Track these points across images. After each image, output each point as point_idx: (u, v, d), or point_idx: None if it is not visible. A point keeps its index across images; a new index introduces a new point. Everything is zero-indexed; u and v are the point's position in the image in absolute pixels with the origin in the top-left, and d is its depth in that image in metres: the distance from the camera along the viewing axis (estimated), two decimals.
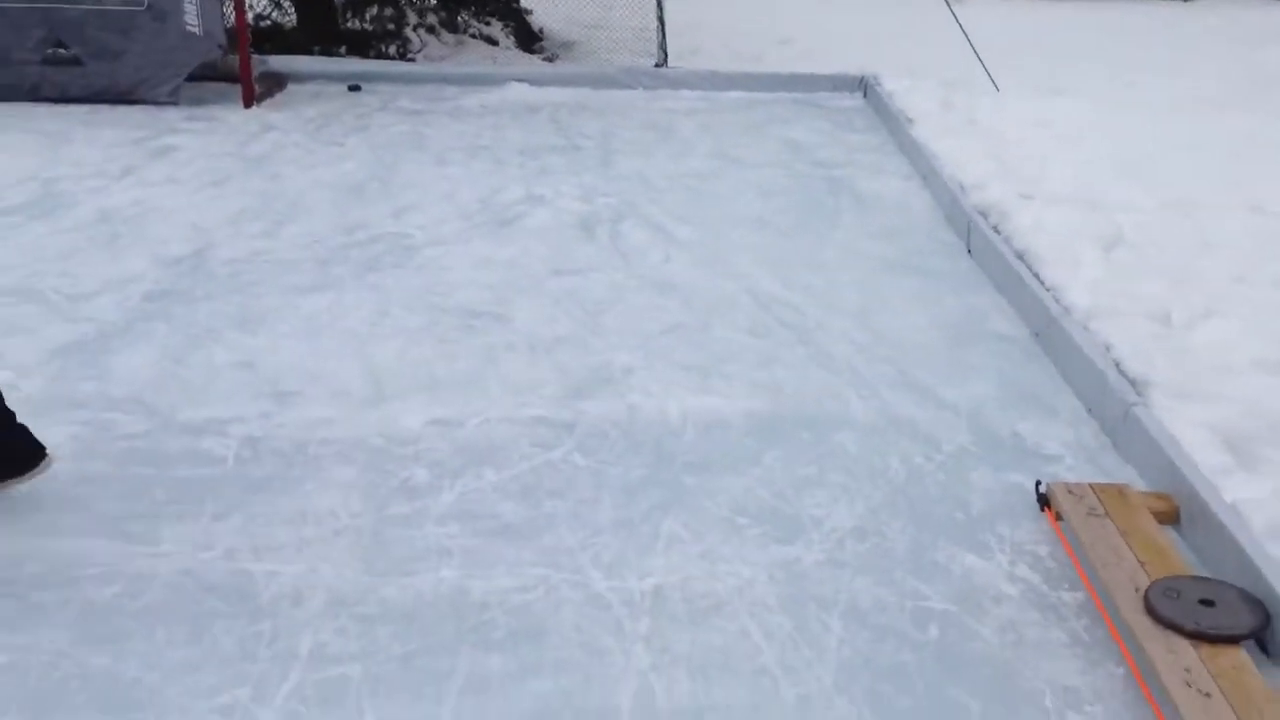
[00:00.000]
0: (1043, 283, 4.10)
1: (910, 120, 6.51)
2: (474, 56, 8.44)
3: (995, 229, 4.67)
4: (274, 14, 8.70)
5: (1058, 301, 3.94)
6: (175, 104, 6.80)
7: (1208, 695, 2.24)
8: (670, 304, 4.22)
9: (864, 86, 7.71)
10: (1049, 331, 3.88)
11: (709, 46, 9.47)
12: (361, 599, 2.56)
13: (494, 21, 9.00)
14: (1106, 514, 2.84)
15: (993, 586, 2.67)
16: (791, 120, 7.05)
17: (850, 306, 4.23)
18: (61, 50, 6.80)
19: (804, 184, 5.76)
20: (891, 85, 7.39)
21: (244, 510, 2.88)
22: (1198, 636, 2.39)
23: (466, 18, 8.83)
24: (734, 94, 7.68)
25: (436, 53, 8.39)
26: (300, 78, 7.59)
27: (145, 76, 6.81)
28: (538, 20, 9.77)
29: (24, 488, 2.87)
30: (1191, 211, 4.99)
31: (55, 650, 2.37)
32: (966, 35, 8.05)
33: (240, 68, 6.97)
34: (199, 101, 6.87)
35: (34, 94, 6.75)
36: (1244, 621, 2.43)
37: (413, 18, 8.55)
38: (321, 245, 4.70)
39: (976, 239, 4.76)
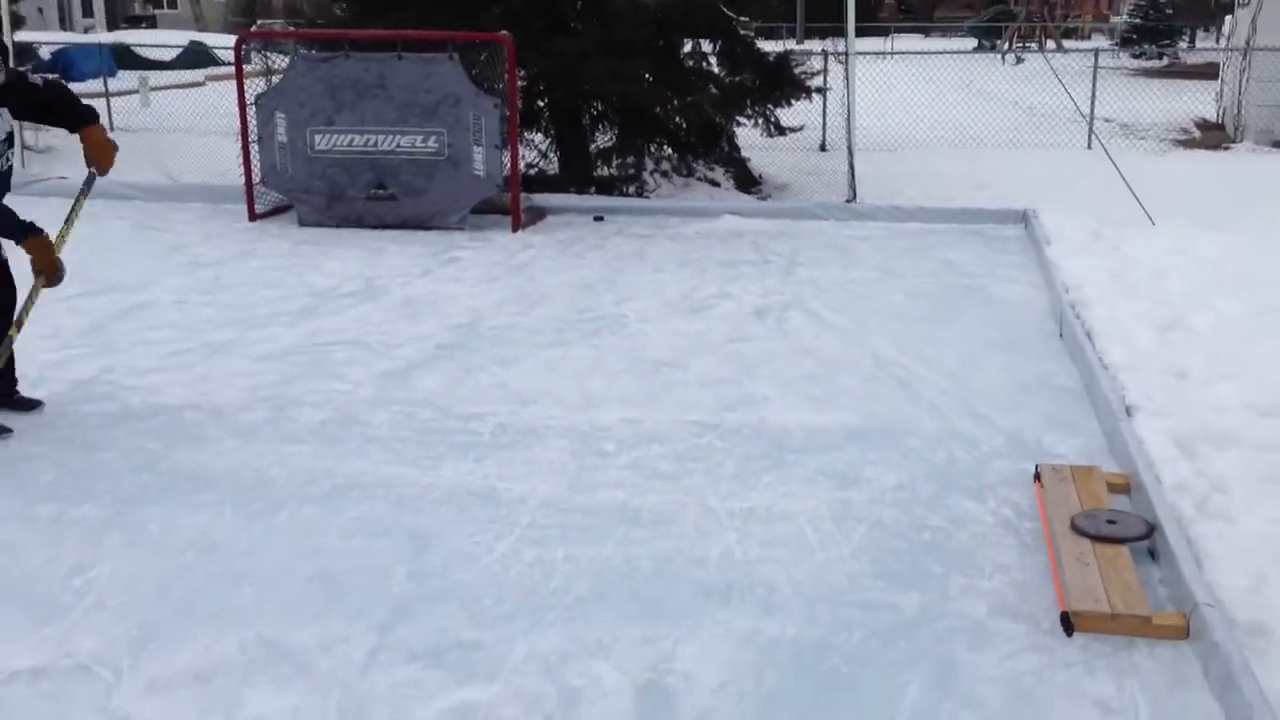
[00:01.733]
0: (1095, 348, 5.29)
1: (1049, 242, 7.72)
2: (697, 195, 10.19)
3: (1077, 316, 5.87)
4: (541, 163, 10.76)
5: (1101, 361, 5.13)
6: (461, 229, 8.78)
7: (1087, 564, 3.44)
8: (809, 362, 5.64)
9: (1025, 219, 8.94)
10: (1091, 384, 5.07)
11: (909, 191, 10.92)
12: (562, 503, 4.06)
13: (718, 167, 10.76)
14: (1073, 481, 4.05)
15: (978, 517, 3.93)
16: (954, 245, 8.37)
17: (947, 368, 5.52)
18: (381, 190, 8.94)
19: (946, 290, 7.08)
20: (1049, 218, 8.60)
21: (494, 458, 4.46)
22: (1096, 538, 3.59)
23: (695, 163, 10.62)
24: (911, 225, 9.06)
25: (667, 192, 10.19)
26: (557, 210, 9.50)
27: (441, 209, 8.85)
28: (759, 166, 11.48)
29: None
30: (1267, 315, 5.99)
31: (385, 519, 3.98)
32: (1123, 177, 9.21)
33: (511, 203, 8.91)
34: (479, 227, 8.84)
35: (360, 221, 8.89)
36: (1131, 532, 3.61)
37: (650, 164, 10.41)
38: (559, 320, 6.38)
39: (1065, 325, 5.96)
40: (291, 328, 6.22)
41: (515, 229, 8.81)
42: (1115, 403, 4.67)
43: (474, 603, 3.38)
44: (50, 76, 5.06)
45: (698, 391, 5.22)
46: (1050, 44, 34.25)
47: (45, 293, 4.78)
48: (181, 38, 25.97)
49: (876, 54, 22.31)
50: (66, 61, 19.71)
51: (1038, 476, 4.17)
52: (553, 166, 10.75)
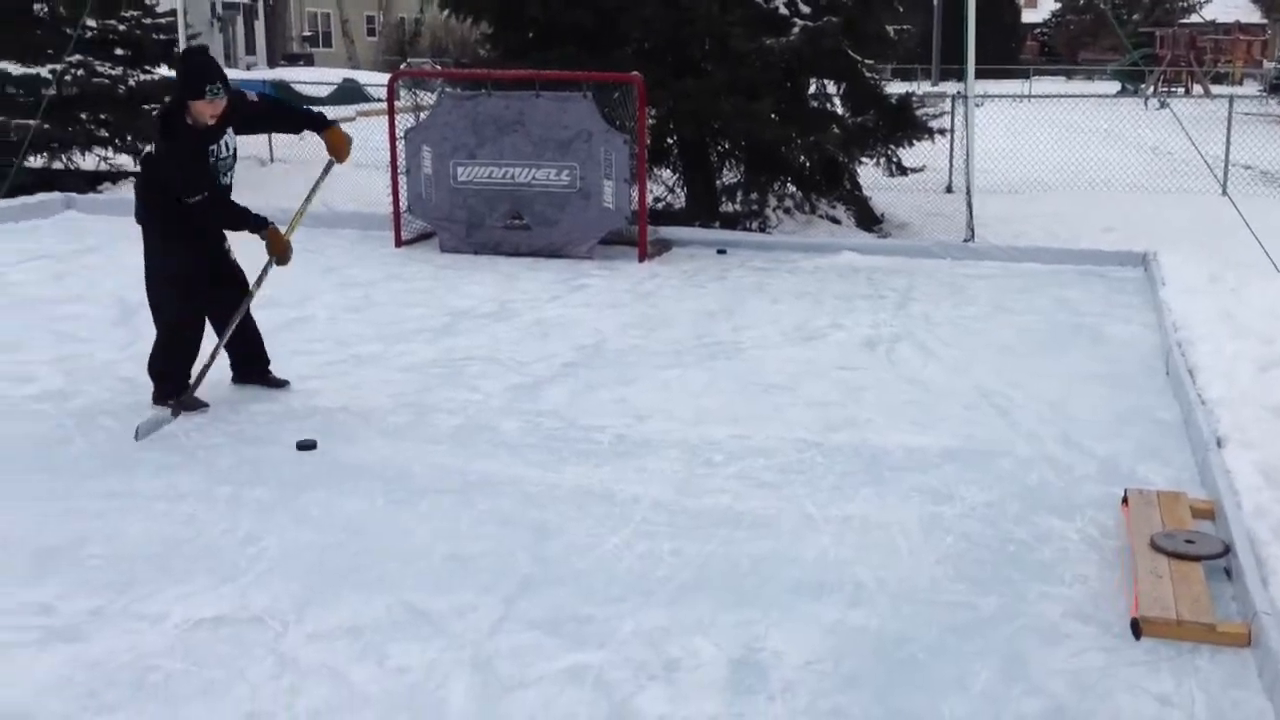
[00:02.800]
0: (1196, 383, 5.46)
1: (1164, 283, 7.84)
2: (818, 231, 10.52)
3: (1182, 353, 6.03)
4: (669, 197, 11.23)
5: (1200, 397, 5.31)
6: (590, 258, 9.27)
7: (1160, 578, 3.68)
8: (914, 391, 5.93)
9: (1144, 261, 9.04)
10: (1189, 418, 5.24)
11: (1032, 233, 11.07)
12: (671, 505, 4.44)
13: (839, 205, 11.07)
14: (1158, 505, 4.27)
15: (1063, 534, 4.18)
16: (1069, 285, 8.53)
17: (1049, 399, 5.75)
18: (517, 220, 9.50)
19: (1057, 327, 7.27)
20: (1168, 260, 8.68)
21: (611, 464, 4.87)
22: (1172, 555, 3.81)
23: (817, 200, 10.95)
24: (1028, 265, 9.22)
25: (789, 228, 10.54)
26: (682, 243, 9.93)
27: (572, 238, 9.36)
28: (881, 205, 11.75)
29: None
30: None
31: (512, 512, 4.41)
32: (1248, 224, 9.22)
33: (639, 235, 9.38)
34: (607, 257, 9.32)
35: (496, 249, 9.46)
36: (1206, 550, 3.82)
37: (774, 201, 10.79)
38: (679, 344, 6.79)
39: (1171, 362, 6.12)
40: (432, 343, 6.75)
41: (642, 259, 9.26)
42: (1208, 435, 4.86)
43: (588, 585, 3.78)
44: (263, 93, 5.83)
45: (804, 412, 5.55)
46: (1197, 89, 33.60)
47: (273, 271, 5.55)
48: (336, 75, 27.35)
49: (1013, 97, 22.32)
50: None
51: (1125, 500, 4.39)
52: (680, 201, 11.21)
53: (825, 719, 3.06)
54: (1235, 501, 4.15)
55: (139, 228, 5.47)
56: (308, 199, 5.74)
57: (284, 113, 5.68)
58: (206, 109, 5.12)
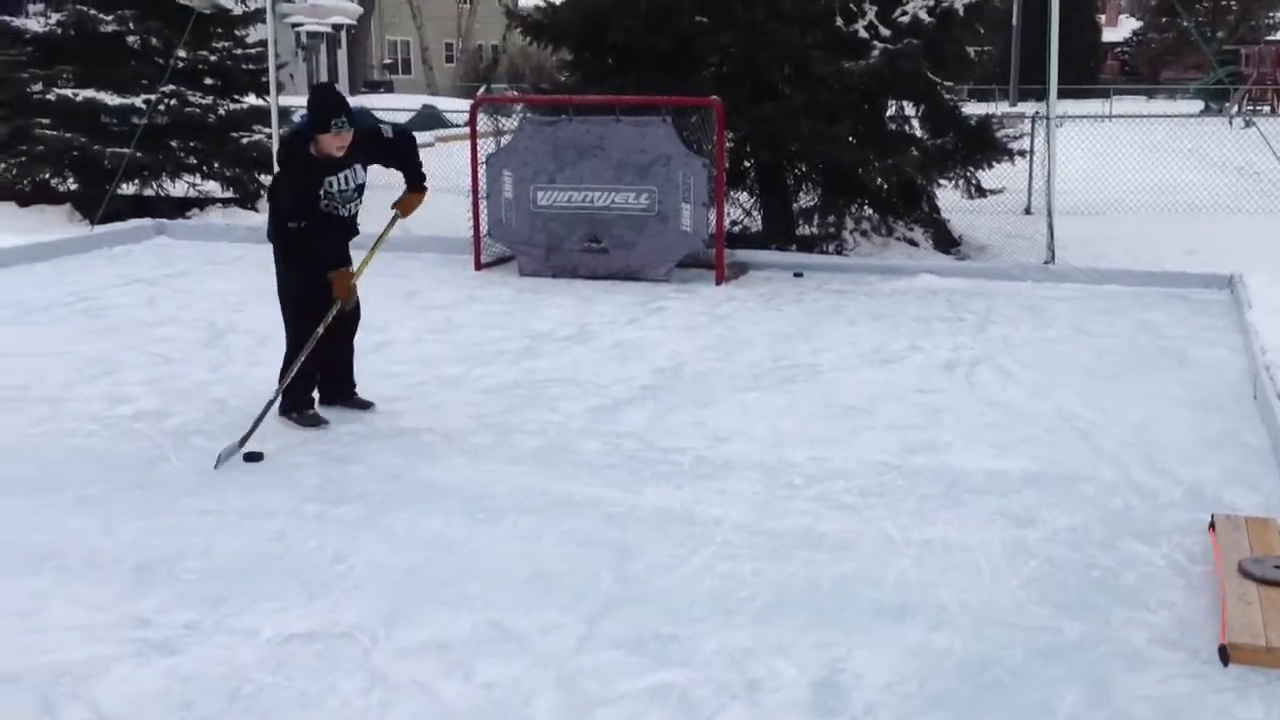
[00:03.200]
0: None
1: (1251, 306, 7.69)
2: (895, 254, 10.48)
3: (1271, 377, 5.92)
4: (745, 220, 11.27)
5: None
6: (668, 281, 9.34)
7: (1249, 603, 3.62)
8: (993, 413, 5.89)
9: (1230, 283, 8.87)
10: (1279, 443, 5.15)
11: (1114, 255, 10.92)
12: (752, 526, 4.47)
13: (917, 227, 11.02)
14: (1246, 530, 4.20)
15: (1148, 559, 4.13)
16: (1153, 307, 8.40)
17: (1133, 422, 5.68)
18: (594, 243, 9.60)
19: (1139, 350, 7.17)
20: (1255, 282, 8.51)
21: (691, 485, 4.91)
22: (1262, 580, 3.75)
23: (894, 223, 10.92)
24: (1109, 287, 9.10)
25: (866, 250, 10.51)
26: (759, 266, 9.96)
27: (649, 261, 9.44)
28: (959, 227, 11.67)
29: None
30: None
31: (594, 532, 4.47)
32: None
33: (716, 258, 9.43)
34: (684, 280, 9.38)
35: (574, 272, 9.57)
36: None
37: (850, 223, 10.77)
38: (757, 367, 6.81)
39: (1259, 386, 6.01)
40: (513, 365, 6.86)
41: (719, 282, 9.31)
42: None
43: (671, 605, 3.82)
44: (399, 128, 6.06)
45: (883, 435, 5.55)
46: None
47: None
48: (415, 101, 27.85)
49: (1093, 117, 22.02)
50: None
51: (1212, 525, 4.33)
52: (756, 224, 11.24)
53: None
54: None
55: (265, 249, 5.77)
56: (374, 249, 5.82)
57: (408, 155, 5.84)
58: (332, 141, 5.34)
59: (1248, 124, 27.20)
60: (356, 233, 5.78)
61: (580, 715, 3.19)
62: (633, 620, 3.72)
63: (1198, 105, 35.78)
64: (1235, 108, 31.73)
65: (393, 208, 5.89)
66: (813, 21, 9.85)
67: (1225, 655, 3.41)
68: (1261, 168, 16.16)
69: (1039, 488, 4.84)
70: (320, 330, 5.46)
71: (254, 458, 5.11)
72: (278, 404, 5.53)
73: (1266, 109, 32.82)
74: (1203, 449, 5.30)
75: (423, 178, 5.88)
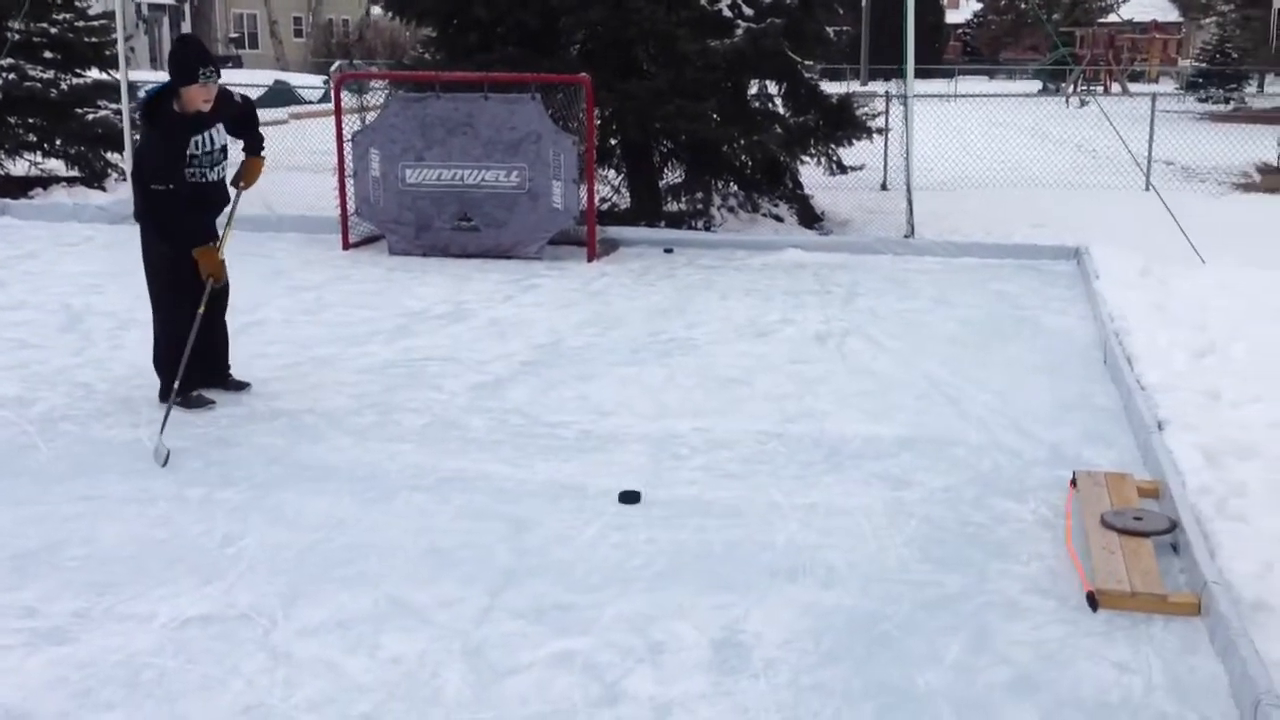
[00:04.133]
0: (1134, 371, 5.70)
1: (1098, 276, 8.12)
2: (762, 230, 10.70)
3: (1119, 342, 6.28)
4: (614, 197, 11.34)
5: (1139, 383, 5.55)
6: (540, 258, 9.35)
7: (1112, 553, 3.87)
8: (865, 382, 6.10)
9: (1077, 255, 9.33)
10: (1129, 403, 5.48)
11: (967, 228, 11.34)
12: (643, 496, 4.56)
13: (782, 204, 11.26)
14: (1106, 485, 4.47)
15: (1018, 515, 4.37)
16: (1007, 278, 8.78)
17: (995, 388, 5.96)
18: (465, 221, 9.54)
19: (997, 319, 7.50)
20: (1100, 254, 8.97)
21: (579, 459, 4.97)
22: (1122, 531, 4.01)
23: (760, 199, 11.13)
24: (967, 259, 9.47)
25: (733, 227, 10.70)
26: (629, 243, 10.05)
27: (520, 239, 9.43)
28: (821, 204, 11.95)
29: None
30: None
31: (487, 507, 4.50)
32: (1174, 217, 9.57)
33: (587, 235, 9.48)
34: (556, 257, 9.41)
35: (445, 250, 9.49)
36: (1153, 527, 4.03)
37: (717, 200, 10.94)
38: (634, 341, 6.90)
39: (1108, 351, 6.36)
40: (389, 345, 6.80)
41: (590, 259, 9.36)
42: (1149, 419, 5.09)
43: (568, 574, 3.89)
44: (246, 95, 5.88)
45: (762, 405, 5.70)
46: (1116, 87, 34.47)
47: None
48: (266, 77, 27.06)
49: (940, 96, 22.75)
50: None
51: (1074, 481, 4.59)
52: (624, 201, 11.32)
53: (808, 693, 3.19)
54: (1180, 480, 4.36)
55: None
56: (228, 225, 5.69)
57: (250, 123, 5.72)
58: (199, 93, 5.20)
59: (1083, 103, 28.54)
60: (227, 200, 5.65)
61: (488, 685, 3.23)
62: (532, 591, 3.77)
63: (1036, 85, 37.31)
64: (1071, 88, 33.17)
65: (234, 182, 5.71)
66: (678, 0, 9.95)
67: (1094, 601, 3.64)
68: (1098, 145, 16.99)
69: (913, 451, 5.05)
70: (201, 311, 5.33)
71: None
72: (158, 390, 5.39)
73: (1100, 89, 34.38)
74: (1061, 411, 5.61)
75: (262, 143, 5.80)
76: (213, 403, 5.54)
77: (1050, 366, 6.38)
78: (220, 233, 5.58)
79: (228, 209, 5.70)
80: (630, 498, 4.49)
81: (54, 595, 3.71)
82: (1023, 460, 4.96)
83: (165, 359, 5.47)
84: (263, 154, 5.82)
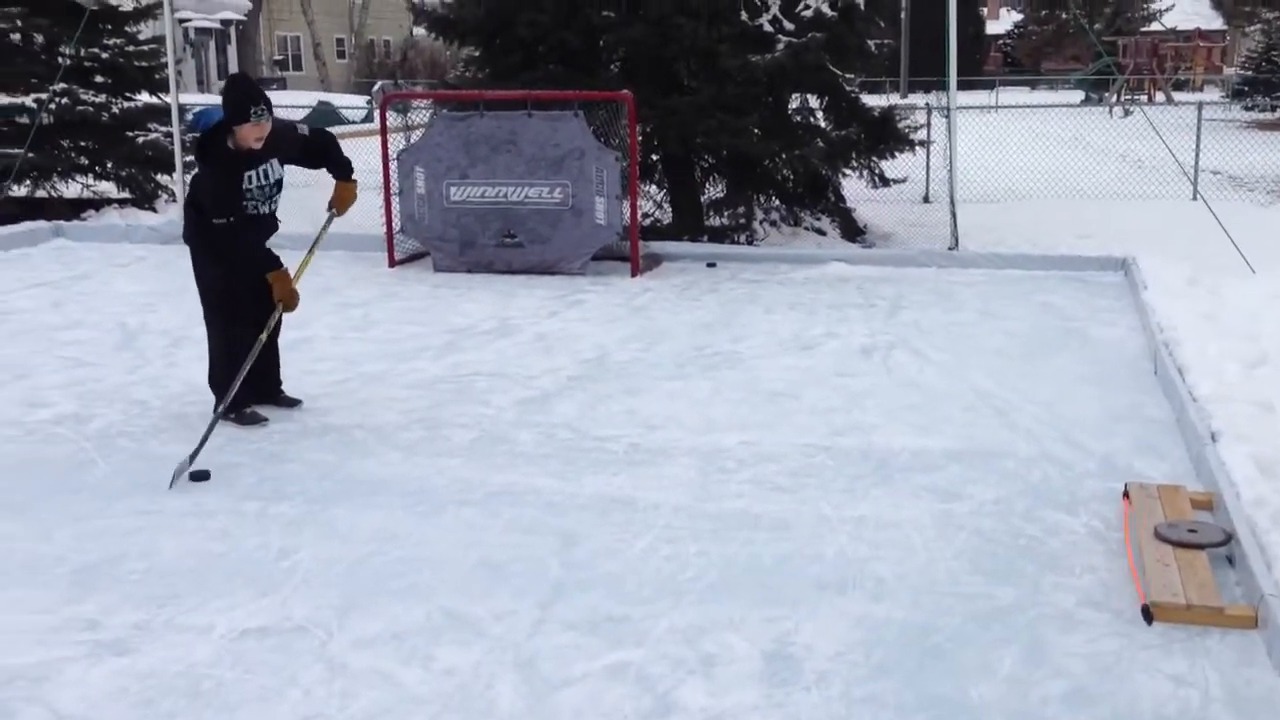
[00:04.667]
0: (1185, 382, 5.65)
1: (1146, 287, 8.04)
2: (805, 243, 10.69)
3: (1170, 353, 6.22)
4: (656, 213, 11.38)
5: (1191, 394, 5.49)
6: (583, 274, 9.40)
7: (1167, 566, 3.84)
8: (912, 395, 6.09)
9: (1124, 266, 9.25)
10: (1181, 414, 5.43)
11: (1011, 240, 11.29)
12: (691, 510, 4.57)
13: (824, 217, 11.25)
14: (1159, 497, 4.43)
15: (1070, 528, 4.34)
16: (1053, 290, 8.73)
17: (1044, 399, 5.92)
18: (509, 238, 9.62)
19: (1044, 331, 7.46)
20: (1147, 264, 8.89)
21: (628, 473, 5.00)
22: (1177, 544, 3.98)
23: (802, 213, 11.13)
24: (1011, 271, 9.43)
25: (775, 240, 10.71)
26: (672, 257, 10.08)
27: (564, 255, 9.49)
28: (864, 217, 11.94)
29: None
30: None
31: (536, 520, 4.53)
32: (1223, 226, 9.47)
33: (631, 250, 9.53)
34: (599, 273, 9.46)
35: (489, 267, 9.57)
36: (1208, 539, 3.99)
37: (759, 214, 10.96)
38: (680, 356, 6.93)
39: (1158, 362, 6.31)
40: (437, 360, 6.87)
41: (634, 274, 9.41)
42: (1202, 430, 5.04)
43: (619, 587, 3.91)
44: (315, 127, 6.01)
45: (810, 418, 5.70)
46: (1160, 96, 34.14)
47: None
48: (309, 98, 27.41)
49: (981, 108, 22.64)
50: (206, 120, 21.07)
51: (1126, 494, 4.55)
52: (667, 216, 11.36)
53: (860, 706, 3.19)
54: (1234, 492, 4.32)
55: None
56: (311, 250, 5.84)
57: (329, 151, 5.84)
58: (251, 132, 5.28)
59: (1127, 113, 28.28)
60: (277, 228, 5.74)
61: (542, 696, 3.26)
62: (584, 603, 3.79)
63: (1078, 95, 37.02)
64: (1114, 97, 32.88)
65: (329, 207, 5.90)
66: (719, 16, 9.99)
67: (1149, 614, 3.61)
68: (1142, 154, 16.85)
69: (962, 464, 5.03)
70: (264, 336, 5.42)
71: (200, 476, 4.89)
72: (214, 406, 5.47)
73: (1144, 98, 34.07)
74: (1111, 422, 5.56)
75: (351, 169, 5.88)
76: (266, 420, 5.62)
77: (1099, 378, 6.34)
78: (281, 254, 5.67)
79: (315, 234, 5.85)
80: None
81: (115, 608, 3.78)
82: (1073, 472, 4.93)
83: (219, 377, 5.55)
84: (354, 178, 5.92)
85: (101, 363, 6.82)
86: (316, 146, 5.81)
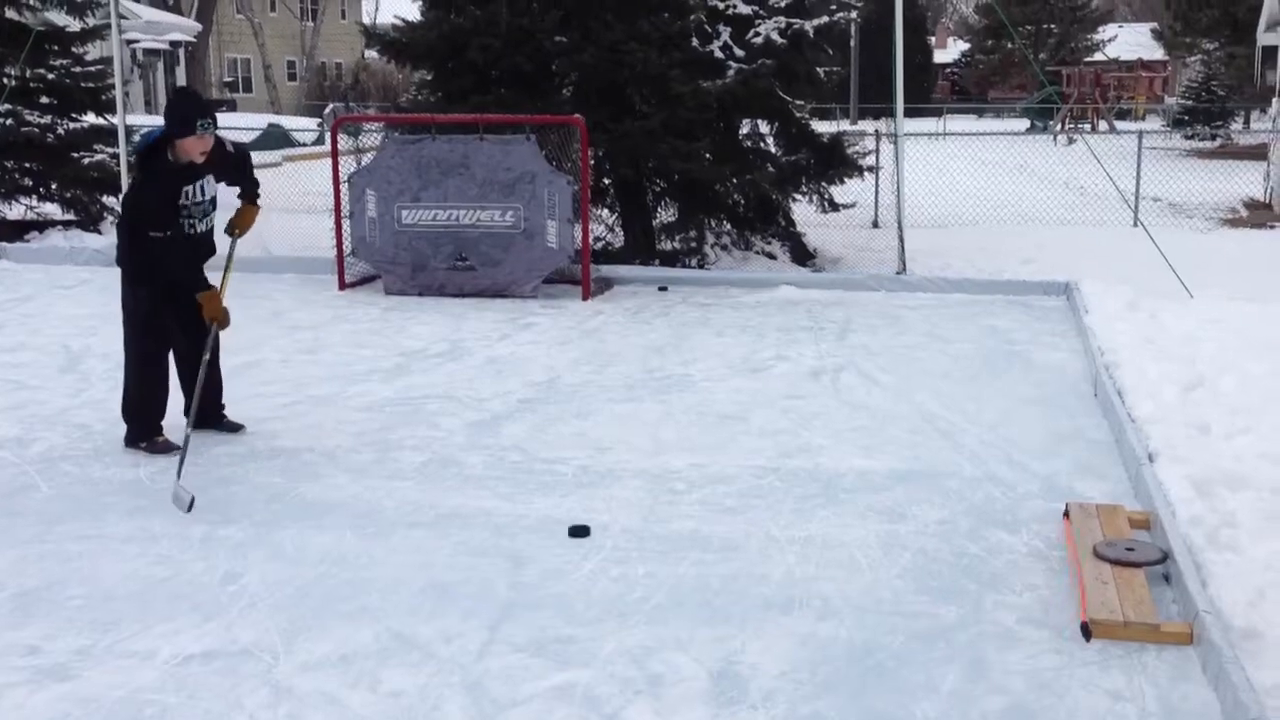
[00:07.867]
0: (1124, 404, 5.77)
1: (1088, 311, 8.20)
2: (755, 267, 10.79)
3: (1110, 376, 6.35)
4: (608, 236, 11.44)
5: (1130, 415, 5.61)
6: (535, 297, 9.42)
7: (1105, 583, 3.92)
8: (860, 417, 6.16)
9: (1067, 290, 9.42)
10: (1120, 435, 5.54)
11: (958, 265, 11.45)
12: (640, 531, 4.59)
13: (774, 241, 11.36)
14: (1098, 517, 4.52)
15: (1011, 547, 4.42)
16: (998, 314, 8.86)
17: (987, 421, 6.02)
18: (461, 261, 9.62)
19: (989, 354, 7.58)
20: (1089, 289, 9.06)
21: (577, 494, 5.02)
22: (1116, 562, 4.06)
23: (752, 237, 11.23)
24: (958, 296, 9.56)
25: (727, 264, 10.79)
26: (624, 281, 10.12)
27: (516, 278, 9.50)
28: (813, 241, 12.06)
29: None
30: None
31: (485, 542, 4.53)
32: (1162, 253, 9.67)
33: (582, 273, 9.56)
34: (551, 296, 9.48)
35: (441, 290, 9.57)
36: (1146, 557, 4.08)
37: (710, 238, 11.04)
38: (630, 379, 6.96)
39: (1100, 385, 6.43)
40: (387, 383, 6.85)
41: (585, 297, 9.44)
42: (1140, 451, 5.14)
43: (568, 608, 3.92)
44: (236, 143, 5.95)
45: (758, 440, 5.75)
46: (1103, 125, 34.80)
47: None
48: (260, 120, 27.26)
49: (929, 135, 22.94)
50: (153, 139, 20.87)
51: (1066, 513, 4.64)
52: (619, 240, 11.42)
53: None
54: (1170, 512, 4.42)
55: (113, 271, 5.60)
56: (227, 269, 5.74)
57: (248, 170, 5.80)
58: (196, 145, 5.26)
59: (1071, 141, 28.79)
60: (214, 252, 5.67)
61: (489, 718, 3.26)
62: (532, 624, 3.80)
63: (1024, 124, 37.66)
64: (1059, 126, 33.48)
65: (229, 230, 5.74)
66: (670, 42, 10.09)
67: (1087, 631, 3.68)
68: (1086, 182, 17.15)
69: (908, 484, 5.10)
70: (207, 355, 5.39)
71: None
72: (125, 435, 5.42)
73: (1087, 127, 34.70)
74: (1053, 443, 5.66)
75: (258, 189, 5.86)
76: (178, 447, 5.23)
77: (1042, 400, 6.45)
78: (219, 277, 5.63)
79: (226, 253, 5.76)
80: (579, 532, 4.55)
81: (56, 633, 3.73)
82: (1016, 493, 5.01)
83: (132, 406, 5.50)
84: (258, 201, 5.88)
85: (44, 386, 6.74)
86: (239, 161, 5.79)
